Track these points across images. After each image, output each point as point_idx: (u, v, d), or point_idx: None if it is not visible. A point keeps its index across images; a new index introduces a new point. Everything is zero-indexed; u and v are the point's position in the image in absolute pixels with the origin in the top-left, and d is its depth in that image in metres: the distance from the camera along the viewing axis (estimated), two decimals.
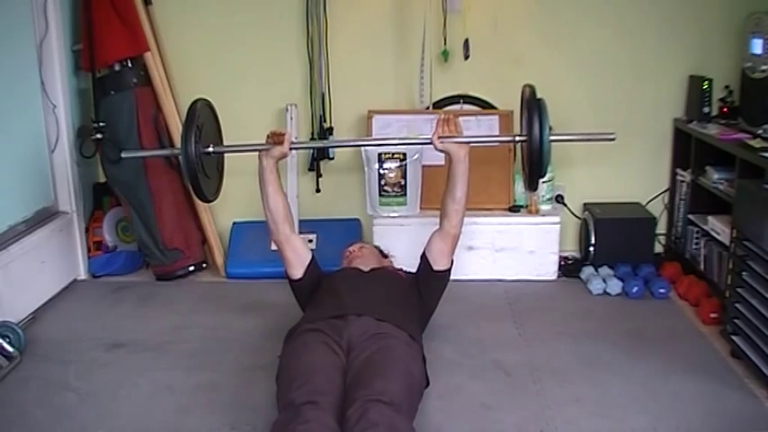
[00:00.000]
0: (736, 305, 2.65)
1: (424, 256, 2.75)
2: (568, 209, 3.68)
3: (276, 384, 2.24)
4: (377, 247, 3.15)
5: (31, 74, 3.24)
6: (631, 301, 3.21)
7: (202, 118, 2.61)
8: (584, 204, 3.67)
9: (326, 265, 2.87)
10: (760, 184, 2.54)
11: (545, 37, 3.54)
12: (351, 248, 3.05)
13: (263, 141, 2.65)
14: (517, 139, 2.64)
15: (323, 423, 1.93)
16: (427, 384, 2.35)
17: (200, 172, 2.56)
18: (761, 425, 2.28)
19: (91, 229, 3.60)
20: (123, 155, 2.91)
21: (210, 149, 2.65)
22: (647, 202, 3.67)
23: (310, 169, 3.68)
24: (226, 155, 2.86)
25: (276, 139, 2.60)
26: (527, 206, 3.49)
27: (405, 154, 3.35)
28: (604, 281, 3.29)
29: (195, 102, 2.62)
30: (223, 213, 3.69)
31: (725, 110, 3.39)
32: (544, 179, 3.31)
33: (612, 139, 2.61)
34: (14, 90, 3.14)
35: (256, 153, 2.68)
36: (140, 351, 2.81)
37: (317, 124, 3.60)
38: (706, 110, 3.35)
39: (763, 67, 3.03)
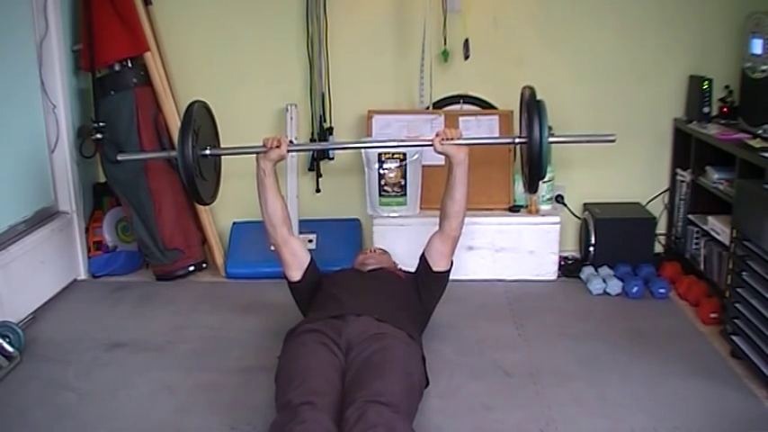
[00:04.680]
0: (736, 305, 2.65)
1: (423, 258, 2.75)
2: (568, 209, 3.68)
3: (275, 385, 2.24)
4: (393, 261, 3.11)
5: (31, 74, 3.24)
6: (631, 301, 3.21)
7: (199, 121, 2.61)
8: (585, 204, 3.67)
9: (327, 266, 2.87)
10: (760, 184, 2.54)
11: (545, 37, 3.54)
12: (372, 248, 3.12)
13: (262, 143, 2.65)
14: (517, 140, 2.64)
15: (320, 424, 1.93)
16: (427, 384, 2.35)
17: (198, 175, 2.56)
18: (761, 425, 2.28)
19: (91, 229, 3.60)
20: (120, 157, 2.90)
21: (208, 152, 2.65)
22: (647, 202, 3.67)
23: (310, 169, 3.68)
24: (224, 156, 2.86)
25: (273, 142, 2.61)
26: (527, 206, 3.49)
27: (405, 154, 3.35)
28: (604, 281, 3.29)
29: (192, 104, 2.62)
30: (223, 213, 3.69)
31: (725, 110, 3.39)
32: (544, 179, 3.32)
33: (613, 141, 2.61)
34: (14, 90, 3.14)
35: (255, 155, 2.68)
36: (140, 351, 2.81)
37: (316, 124, 3.60)
38: (706, 110, 3.35)
39: (763, 67, 3.03)
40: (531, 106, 2.47)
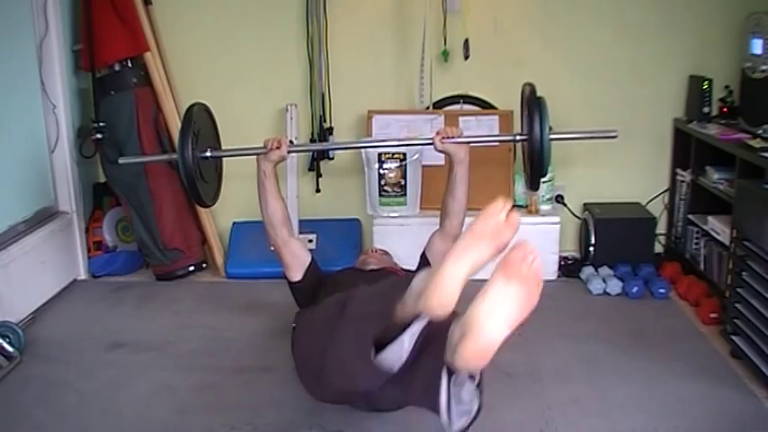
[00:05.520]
0: (736, 305, 2.65)
1: (423, 256, 2.75)
2: (568, 209, 3.68)
3: (302, 339, 2.25)
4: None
5: (31, 74, 3.24)
6: (631, 301, 3.21)
7: (199, 123, 2.61)
8: (584, 204, 3.67)
9: (327, 266, 2.87)
10: (760, 184, 2.54)
11: (545, 37, 3.55)
12: (373, 249, 3.13)
13: (262, 143, 2.65)
14: (518, 138, 2.64)
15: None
16: None
17: (198, 178, 2.56)
18: (761, 425, 2.28)
19: (91, 229, 3.60)
20: (121, 161, 2.91)
21: (208, 154, 2.65)
22: (647, 202, 3.67)
23: (310, 169, 3.68)
24: (224, 158, 2.86)
25: (273, 143, 2.61)
26: (527, 206, 3.49)
27: (405, 154, 3.35)
28: (604, 281, 3.29)
29: (191, 106, 2.62)
30: (223, 213, 3.69)
31: (725, 110, 3.38)
32: (544, 179, 3.33)
33: (614, 137, 2.61)
34: (14, 90, 3.14)
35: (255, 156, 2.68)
36: (140, 351, 2.81)
37: (316, 124, 3.60)
38: (706, 110, 3.35)
39: (763, 67, 3.03)
40: (532, 103, 2.48)
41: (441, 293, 1.60)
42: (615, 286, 3.26)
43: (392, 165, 3.37)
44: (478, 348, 1.53)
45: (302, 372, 2.28)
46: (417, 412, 2.23)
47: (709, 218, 3.17)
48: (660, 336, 2.87)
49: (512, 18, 3.52)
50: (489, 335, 1.53)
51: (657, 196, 3.68)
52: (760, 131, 2.96)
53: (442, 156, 2.78)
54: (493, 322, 1.54)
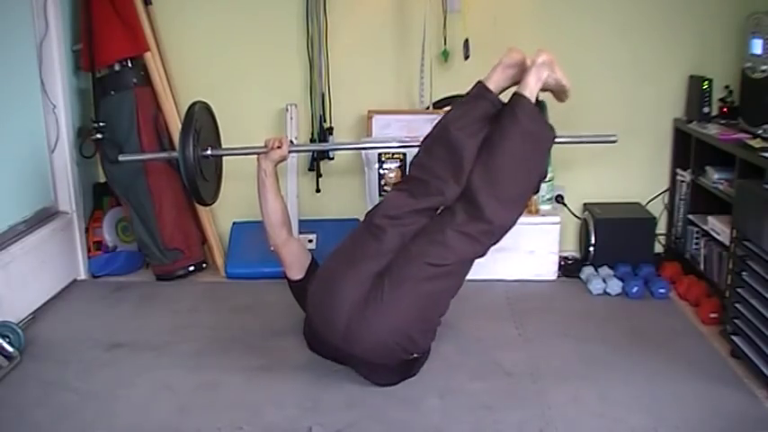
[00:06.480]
0: (736, 305, 2.65)
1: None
2: (568, 209, 3.68)
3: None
4: None
5: (31, 74, 3.24)
6: (631, 301, 3.21)
7: (200, 121, 2.61)
8: (585, 204, 3.67)
9: None
10: (760, 184, 2.54)
11: (545, 37, 3.53)
12: None
13: (263, 143, 2.65)
14: None
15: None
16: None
17: (199, 176, 2.56)
18: (761, 425, 2.28)
19: (91, 229, 3.60)
20: (121, 158, 2.91)
21: (209, 153, 2.65)
22: (647, 202, 3.67)
23: (310, 169, 3.68)
24: (225, 157, 2.85)
25: (274, 143, 2.61)
26: (527, 206, 3.49)
27: (405, 154, 3.35)
28: (604, 281, 3.29)
29: (193, 105, 2.62)
30: (223, 213, 3.69)
31: (725, 110, 3.39)
32: (544, 179, 3.32)
33: (614, 142, 2.62)
34: (14, 90, 3.14)
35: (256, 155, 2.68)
36: (140, 351, 2.81)
37: (316, 124, 3.60)
38: (706, 110, 3.35)
39: (763, 67, 3.03)
40: None
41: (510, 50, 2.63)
42: (615, 286, 3.26)
43: (392, 165, 3.37)
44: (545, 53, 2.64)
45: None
46: (419, 415, 2.23)
47: (710, 218, 3.17)
48: (660, 336, 2.87)
49: (512, 18, 3.52)
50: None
51: (657, 196, 3.68)
52: (760, 131, 2.96)
53: None
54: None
